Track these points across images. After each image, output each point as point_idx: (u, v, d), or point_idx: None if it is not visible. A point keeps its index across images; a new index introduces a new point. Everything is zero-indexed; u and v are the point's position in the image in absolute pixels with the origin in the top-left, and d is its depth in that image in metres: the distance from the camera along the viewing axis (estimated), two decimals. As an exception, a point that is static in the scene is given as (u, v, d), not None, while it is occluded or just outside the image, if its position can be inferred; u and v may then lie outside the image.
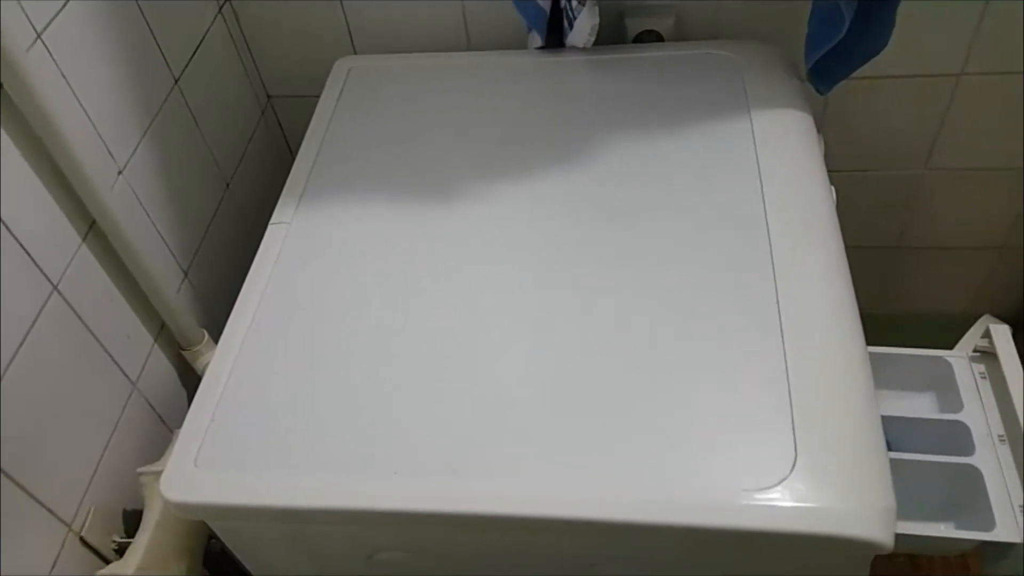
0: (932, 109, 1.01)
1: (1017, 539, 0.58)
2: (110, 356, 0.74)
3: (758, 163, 0.74)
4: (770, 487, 0.53)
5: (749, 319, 0.62)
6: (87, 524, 0.69)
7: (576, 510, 0.54)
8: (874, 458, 0.56)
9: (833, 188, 0.81)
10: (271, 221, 0.76)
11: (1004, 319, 1.24)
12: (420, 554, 0.61)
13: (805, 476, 0.54)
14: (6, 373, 0.60)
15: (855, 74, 0.91)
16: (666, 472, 0.55)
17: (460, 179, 0.76)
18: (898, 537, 0.57)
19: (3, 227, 0.61)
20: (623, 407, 0.58)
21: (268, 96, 1.05)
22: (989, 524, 0.59)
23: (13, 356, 0.61)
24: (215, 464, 0.59)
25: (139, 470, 0.73)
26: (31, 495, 0.63)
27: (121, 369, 0.75)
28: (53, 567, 0.65)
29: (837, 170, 1.08)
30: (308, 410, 0.61)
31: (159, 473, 0.60)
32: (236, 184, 0.96)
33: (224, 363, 0.65)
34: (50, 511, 0.65)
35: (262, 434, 0.60)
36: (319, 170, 0.80)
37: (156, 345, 0.81)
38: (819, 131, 0.84)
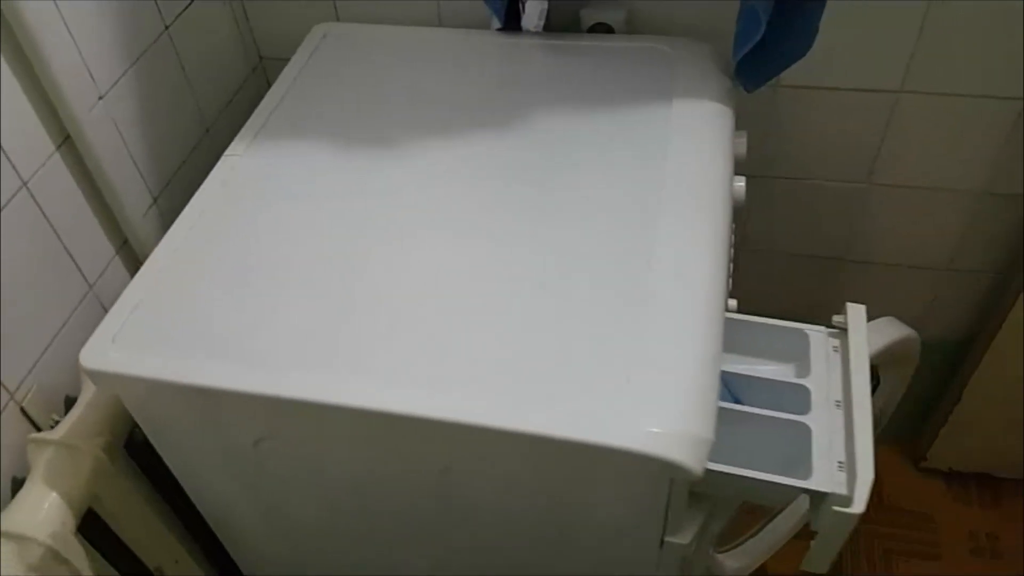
0: (873, 124, 1.06)
1: (829, 489, 0.63)
2: (71, 256, 0.83)
3: (667, 142, 0.81)
4: (601, 407, 0.60)
5: (624, 269, 0.69)
6: (28, 397, 0.78)
7: (431, 411, 0.61)
8: (702, 396, 0.62)
9: (744, 179, 0.88)
10: (225, 152, 0.85)
11: (950, 340, 1.28)
12: (294, 444, 0.69)
13: (635, 402, 0.60)
14: (-35, 247, 0.70)
15: (800, 82, 0.97)
16: (519, 385, 0.61)
17: (405, 138, 0.84)
18: (719, 477, 0.64)
19: (-23, 122, 0.71)
20: (501, 330, 0.65)
21: (260, 57, 1.14)
22: (808, 475, 0.65)
23: (-26, 234, 0.71)
24: (131, 342, 0.68)
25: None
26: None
27: (80, 270, 0.84)
28: (-10, 427, 0.74)
29: (784, 176, 1.14)
30: (222, 308, 0.69)
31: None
32: (216, 131, 1.05)
33: (159, 261, 0.74)
34: (-5, 377, 0.74)
35: (176, 324, 0.69)
36: (279, 114, 0.89)
37: (117, 257, 0.90)
38: (742, 128, 0.91)
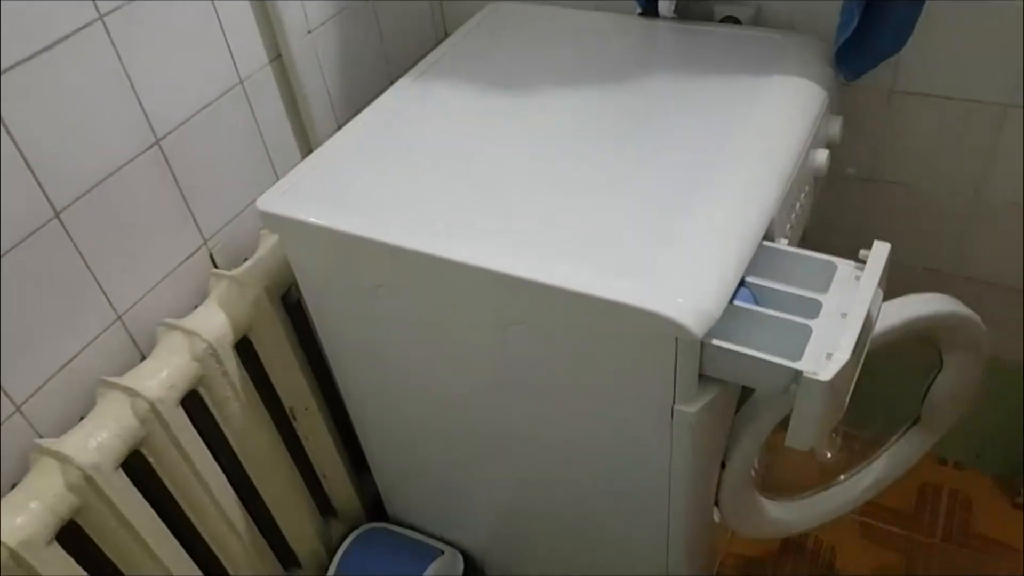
0: (982, 136, 1.12)
1: (809, 369, 0.72)
2: (266, 150, 1.07)
3: (755, 106, 0.94)
4: (633, 275, 0.74)
5: (684, 188, 0.83)
6: (217, 247, 1.02)
7: (510, 269, 0.78)
8: (715, 284, 0.75)
9: (827, 151, 0.98)
10: (394, 84, 1.06)
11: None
12: (402, 292, 0.87)
13: (661, 278, 0.74)
14: (190, 121, 0.94)
15: (912, 88, 1.06)
16: (580, 258, 0.77)
17: (542, 85, 1.02)
18: (718, 351, 0.75)
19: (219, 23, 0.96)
20: (578, 218, 0.82)
21: (445, 32, 1.37)
22: (798, 359, 0.75)
23: (201, 109, 0.95)
24: (297, 196, 0.89)
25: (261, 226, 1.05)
26: (187, 207, 0.97)
27: (272, 163, 1.08)
28: (183, 261, 0.98)
29: (894, 181, 1.22)
30: (369, 182, 0.90)
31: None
32: (398, 81, 1.28)
33: (327, 149, 0.96)
34: (197, 226, 0.98)
35: (332, 187, 0.90)
36: (442, 64, 1.09)
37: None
38: (839, 114, 1.02)
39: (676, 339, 0.74)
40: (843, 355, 0.70)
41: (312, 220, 0.86)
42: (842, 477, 1.13)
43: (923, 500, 1.44)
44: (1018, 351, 1.30)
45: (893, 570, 1.36)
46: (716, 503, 1.01)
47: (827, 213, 1.25)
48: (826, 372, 0.69)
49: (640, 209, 0.82)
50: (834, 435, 1.17)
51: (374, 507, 1.32)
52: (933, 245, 1.25)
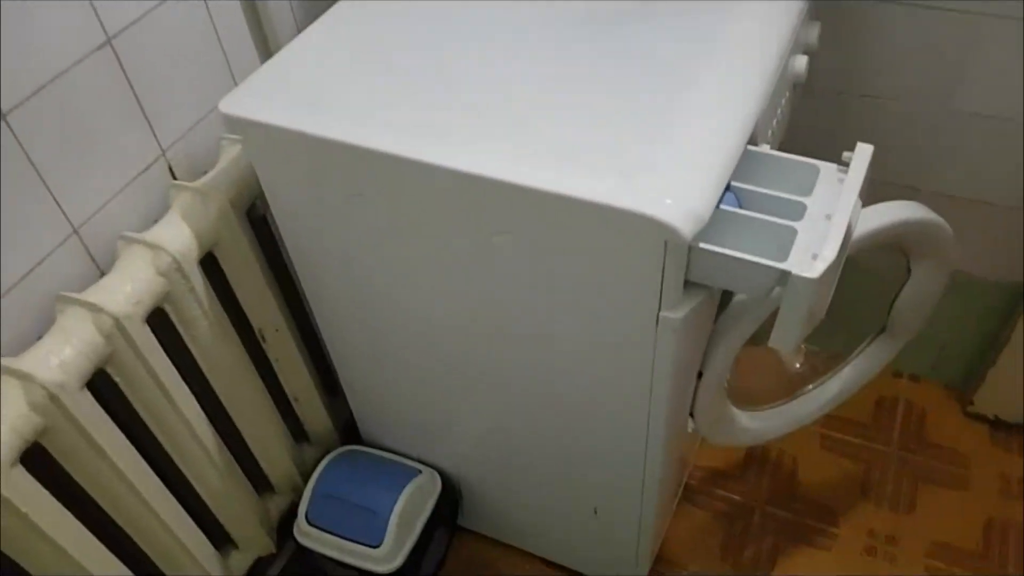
0: (956, 45, 1.12)
1: (796, 270, 0.72)
2: (225, 56, 1.01)
3: (736, 11, 0.91)
4: (621, 178, 0.72)
5: (669, 91, 0.81)
6: (176, 158, 0.97)
7: (492, 172, 0.75)
8: (704, 188, 0.73)
9: (806, 58, 0.97)
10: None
11: (1010, 282, 1.31)
12: (378, 201, 0.84)
13: (649, 182, 0.72)
14: (142, 21, 0.89)
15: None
16: (568, 161, 0.75)
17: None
18: (705, 255, 0.74)
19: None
20: (562, 119, 0.79)
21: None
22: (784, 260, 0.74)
23: (155, 7, 0.89)
24: (262, 97, 0.84)
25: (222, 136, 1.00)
26: (143, 113, 0.91)
27: (231, 70, 1.03)
28: (141, 173, 0.93)
29: (864, 94, 1.21)
30: (351, 82, 0.85)
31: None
32: None
33: (304, 40, 0.91)
34: (154, 135, 0.93)
35: (297, 89, 0.85)
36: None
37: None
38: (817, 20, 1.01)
39: (665, 243, 0.72)
40: (830, 253, 0.70)
41: (282, 124, 0.82)
42: (810, 387, 1.15)
43: (880, 411, 1.49)
44: (975, 264, 1.33)
45: (852, 478, 1.41)
46: (691, 413, 1.02)
47: (800, 127, 1.25)
48: (814, 270, 0.69)
49: (624, 110, 0.79)
50: (803, 345, 1.18)
51: (347, 432, 1.31)
52: (900, 159, 1.26)
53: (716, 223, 0.74)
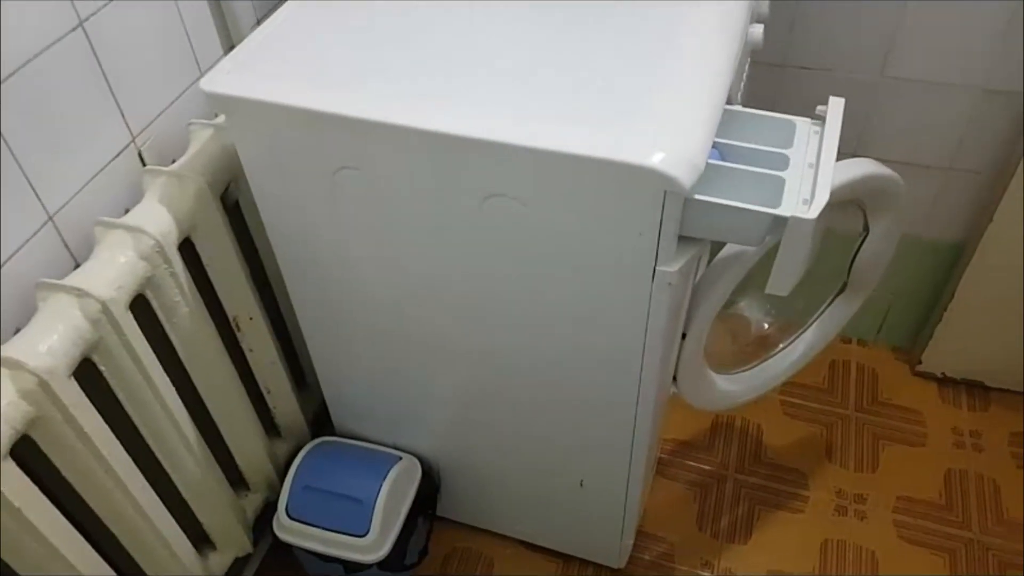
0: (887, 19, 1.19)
1: (792, 214, 0.75)
2: (191, 46, 1.00)
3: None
4: (615, 134, 0.74)
5: (650, 58, 0.83)
6: (146, 144, 0.95)
7: (481, 133, 0.76)
8: (696, 139, 0.75)
9: (761, 26, 1.01)
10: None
11: (949, 241, 1.39)
12: (368, 174, 0.84)
13: (645, 136, 0.74)
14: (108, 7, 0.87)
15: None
16: (558, 120, 0.76)
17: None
18: (703, 205, 0.76)
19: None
20: (554, 75, 0.81)
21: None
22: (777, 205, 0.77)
23: (123, -11, 0.88)
24: (243, 73, 0.83)
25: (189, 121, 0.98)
26: (114, 98, 0.89)
27: (196, 58, 1.01)
28: (113, 159, 0.91)
29: (801, 66, 1.27)
30: (333, 53, 0.85)
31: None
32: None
33: (283, 15, 0.91)
34: (125, 121, 0.91)
35: (292, 62, 0.84)
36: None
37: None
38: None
39: (664, 194, 0.74)
40: (824, 194, 0.73)
41: (268, 99, 0.81)
42: (781, 346, 1.19)
43: (834, 376, 1.55)
44: (920, 226, 1.40)
45: (816, 441, 1.46)
46: (674, 378, 1.05)
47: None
48: (812, 211, 0.72)
49: (610, 72, 0.81)
50: (769, 306, 1.23)
51: (317, 426, 1.29)
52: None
53: (706, 177, 0.76)
